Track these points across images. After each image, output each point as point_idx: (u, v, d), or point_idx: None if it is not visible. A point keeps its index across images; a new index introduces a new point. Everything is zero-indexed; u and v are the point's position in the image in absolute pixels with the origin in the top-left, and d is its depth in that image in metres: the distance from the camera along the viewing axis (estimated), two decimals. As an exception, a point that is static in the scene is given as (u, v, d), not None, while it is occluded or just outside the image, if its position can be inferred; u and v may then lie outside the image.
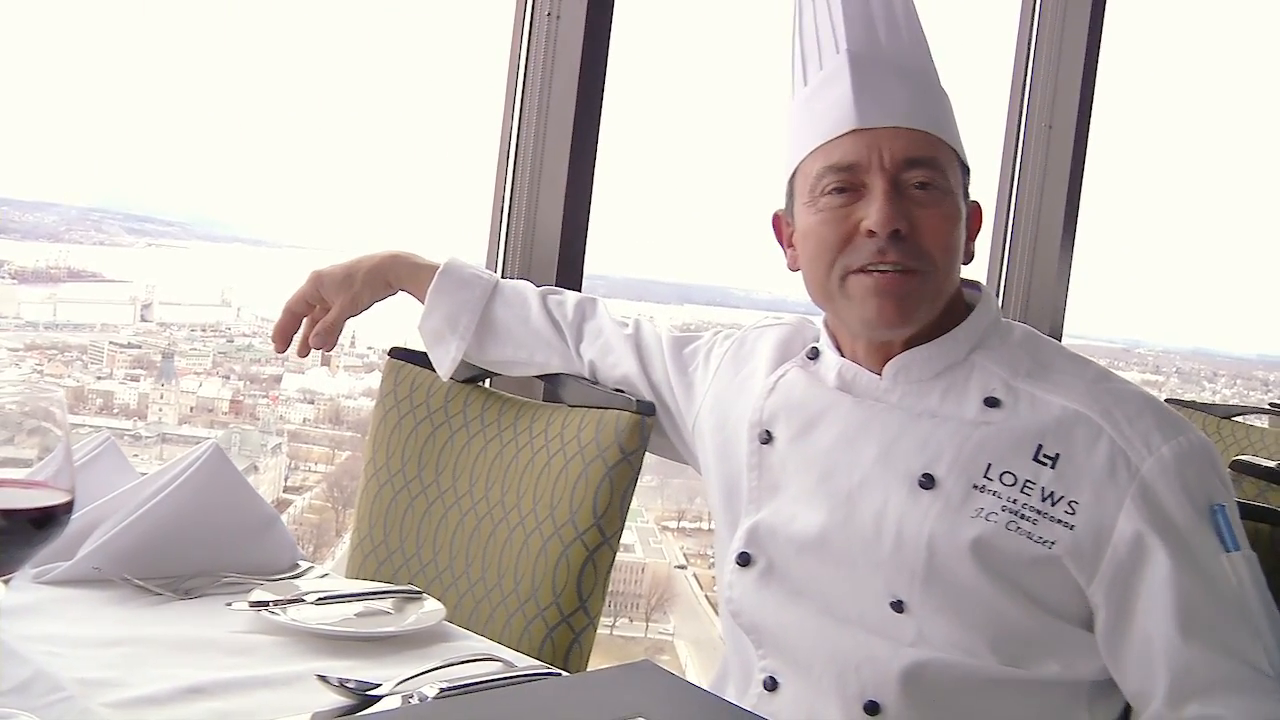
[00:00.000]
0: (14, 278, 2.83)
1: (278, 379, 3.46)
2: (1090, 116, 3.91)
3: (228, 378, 3.30)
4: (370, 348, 3.36)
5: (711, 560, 4.03)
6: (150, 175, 2.78)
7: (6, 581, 0.94)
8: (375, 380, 3.23)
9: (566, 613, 1.70)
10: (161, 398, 3.14)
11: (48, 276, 2.83)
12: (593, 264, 2.61)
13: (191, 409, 3.22)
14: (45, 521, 0.93)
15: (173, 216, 2.97)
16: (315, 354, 3.25)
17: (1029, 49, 3.84)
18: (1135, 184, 4.78)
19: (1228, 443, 3.12)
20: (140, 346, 3.15)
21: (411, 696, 1.10)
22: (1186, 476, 1.29)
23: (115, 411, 3.07)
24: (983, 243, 3.56)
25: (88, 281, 2.93)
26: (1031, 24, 3.84)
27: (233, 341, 3.35)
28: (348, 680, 1.12)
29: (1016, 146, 3.85)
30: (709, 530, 4.02)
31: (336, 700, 1.08)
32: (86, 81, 2.57)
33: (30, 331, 2.95)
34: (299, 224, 3.04)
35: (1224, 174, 5.19)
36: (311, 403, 3.49)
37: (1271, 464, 1.84)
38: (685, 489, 4.08)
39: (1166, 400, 2.94)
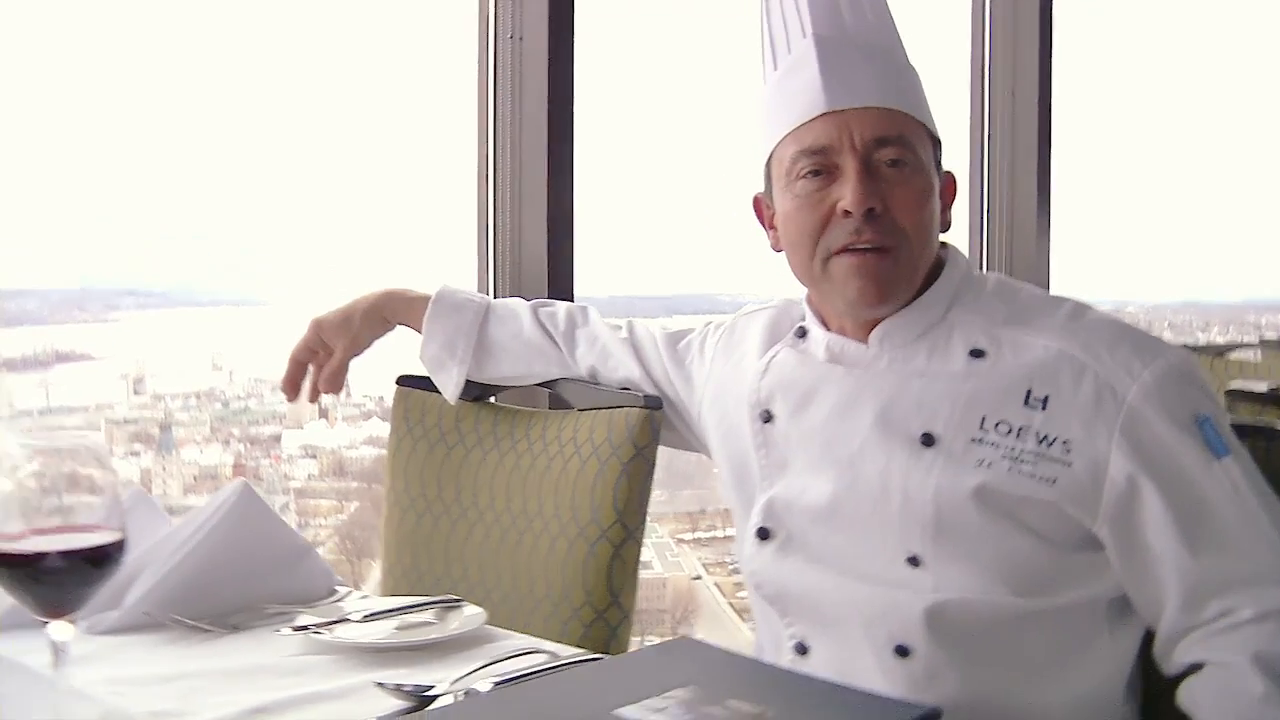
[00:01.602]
0: (3, 366, 2.84)
1: (277, 438, 3.45)
2: (1051, 79, 3.96)
3: (227, 442, 3.29)
4: (366, 396, 3.34)
5: (731, 567, 4.07)
6: (127, 250, 2.77)
7: (71, 621, 0.99)
8: (375, 428, 3.28)
9: (600, 609, 1.74)
10: (164, 469, 3.11)
11: (36, 362, 2.82)
12: (577, 287, 2.66)
13: (195, 478, 3.21)
14: (101, 560, 0.98)
15: (154, 288, 2.96)
16: (313, 407, 3.29)
17: (984, 18, 3.90)
18: (1107, 145, 4.83)
19: (1223, 379, 3.18)
20: (137, 421, 3.10)
21: (467, 693, 1.14)
22: (1168, 396, 1.34)
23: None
24: (961, 213, 3.62)
25: (77, 362, 2.92)
26: (983, -5, 3.90)
27: (228, 405, 3.33)
28: (404, 685, 1.16)
29: (982, 115, 3.90)
30: (725, 538, 4.06)
31: (395, 704, 1.13)
32: (54, 167, 2.60)
33: (26, 419, 2.95)
34: (283, 279, 3.04)
35: (1191, 127, 5.24)
36: (314, 457, 3.48)
37: (1263, 388, 1.90)
38: (695, 499, 4.11)
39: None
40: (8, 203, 2.51)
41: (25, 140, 2.51)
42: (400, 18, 2.96)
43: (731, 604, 4.32)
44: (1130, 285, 5.21)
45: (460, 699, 1.13)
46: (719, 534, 4.13)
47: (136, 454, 3.04)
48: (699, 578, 4.41)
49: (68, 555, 0.96)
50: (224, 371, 3.34)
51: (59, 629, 0.99)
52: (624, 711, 1.07)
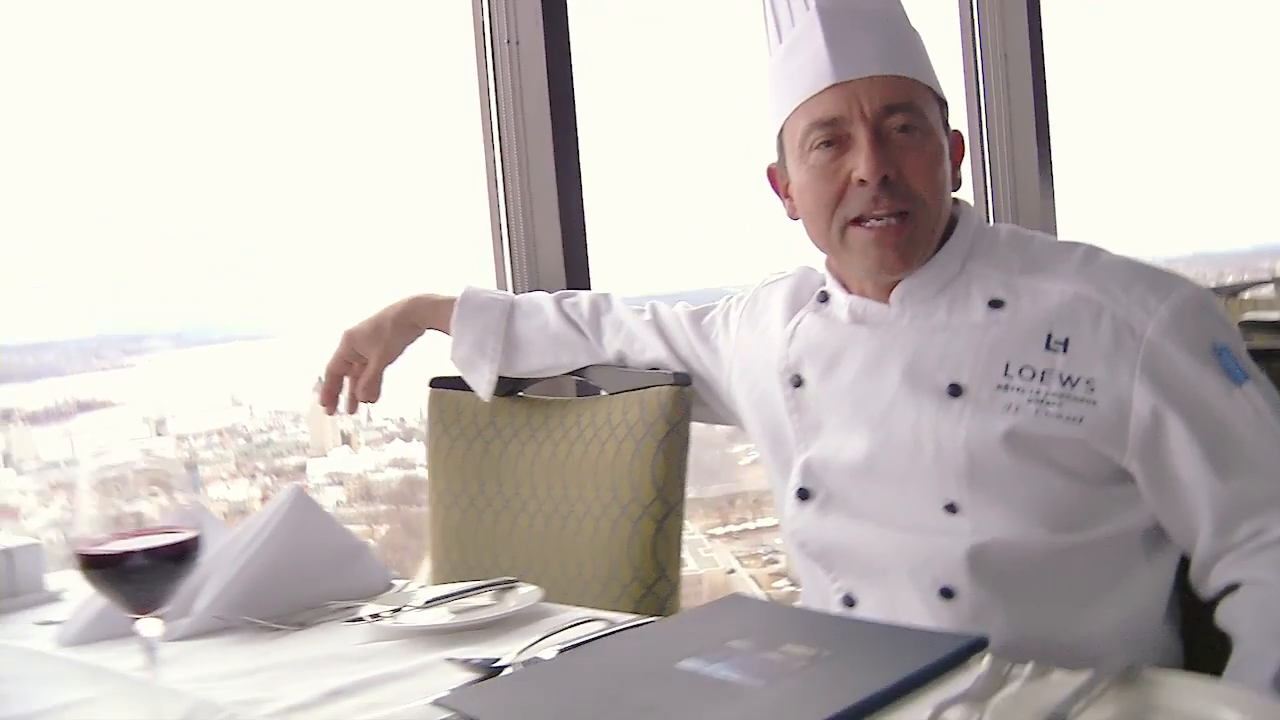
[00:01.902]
0: (26, 421, 2.86)
1: (302, 467, 3.45)
2: (1042, 39, 4.01)
3: (253, 476, 3.29)
4: (386, 419, 3.38)
5: (766, 558, 4.11)
6: (137, 294, 2.77)
7: (159, 617, 1.04)
8: (398, 450, 3.30)
9: (649, 583, 1.79)
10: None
11: (58, 413, 2.85)
12: (593, 284, 2.70)
13: (224, 514, 3.24)
14: (181, 556, 1.04)
15: (167, 329, 2.98)
16: (335, 435, 3.30)
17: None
18: (1106, 104, 4.86)
19: (1238, 316, 3.21)
20: (152, 467, 3.16)
21: (533, 661, 1.19)
22: (1186, 328, 1.38)
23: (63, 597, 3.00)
24: (964, 178, 3.66)
25: (97, 410, 2.94)
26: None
27: (251, 440, 3.33)
28: (472, 659, 1.21)
29: (977, 81, 3.95)
30: (757, 530, 4.10)
31: (466, 677, 1.18)
32: (58, 220, 2.63)
33: (52, 470, 2.95)
34: (294, 308, 3.05)
35: (1186, 79, 5.26)
36: (340, 484, 3.49)
37: (1276, 316, 1.94)
38: (724, 495, 4.14)
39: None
40: (18, 258, 2.55)
41: (28, 196, 2.55)
42: (397, 33, 2.99)
43: (769, 594, 4.36)
44: (1141, 240, 5.24)
45: (527, 667, 1.18)
46: (750, 526, 4.16)
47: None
48: (733, 571, 4.45)
49: (150, 553, 1.02)
50: (244, 407, 3.37)
51: (148, 625, 1.04)
52: (685, 664, 1.12)
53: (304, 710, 1.13)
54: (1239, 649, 1.33)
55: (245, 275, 2.88)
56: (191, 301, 2.83)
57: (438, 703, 1.08)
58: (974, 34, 3.98)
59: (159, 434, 3.10)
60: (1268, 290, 3.73)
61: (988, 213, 3.95)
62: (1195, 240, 5.49)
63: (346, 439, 3.43)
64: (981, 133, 3.98)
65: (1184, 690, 0.96)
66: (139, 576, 1.02)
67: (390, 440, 3.36)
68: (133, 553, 1.02)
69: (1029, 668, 1.05)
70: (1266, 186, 5.56)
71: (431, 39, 2.98)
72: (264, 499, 3.36)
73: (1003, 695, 0.97)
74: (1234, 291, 3.49)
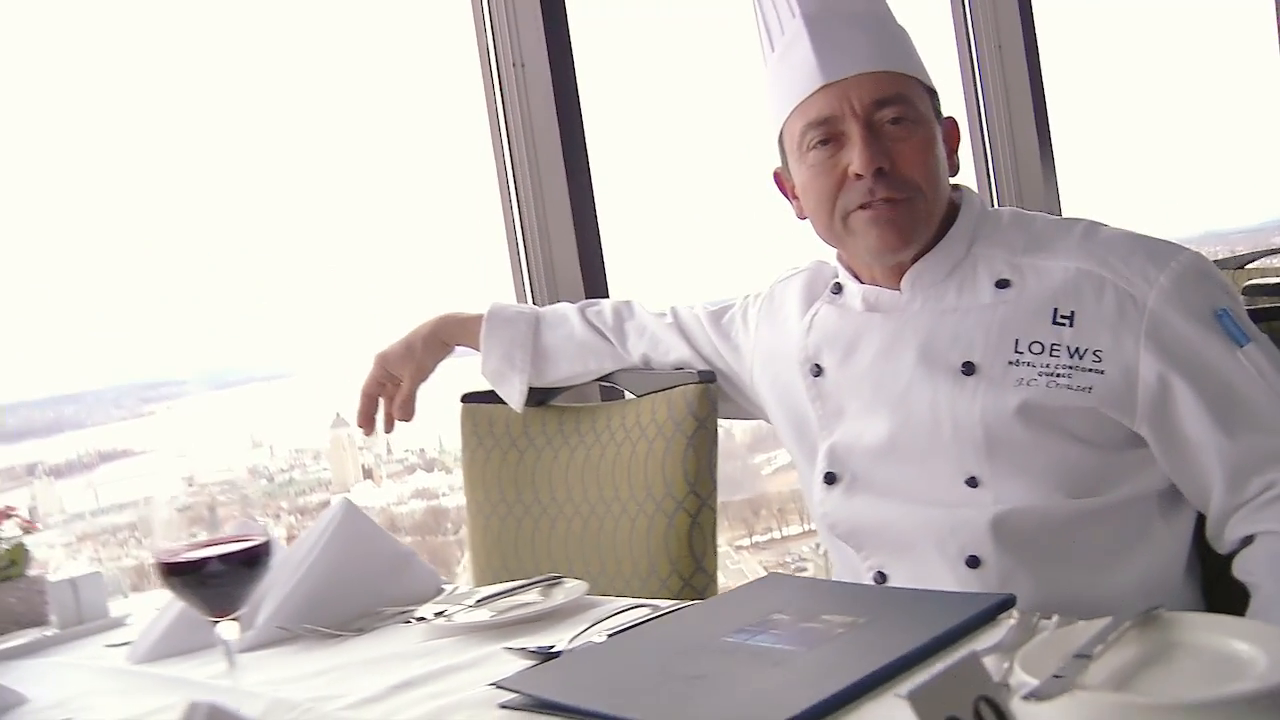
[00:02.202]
0: (50, 474, 2.85)
1: (325, 504, 3.51)
2: (1034, 30, 4.08)
3: (278, 516, 3.28)
4: (407, 451, 3.41)
5: (794, 566, 4.14)
6: (151, 341, 2.76)
7: (235, 620, 1.12)
8: (420, 481, 3.32)
9: (686, 576, 1.85)
10: None
11: (81, 465, 2.89)
12: (611, 294, 2.77)
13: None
14: (253, 561, 1.12)
15: (183, 375, 2.98)
16: (358, 469, 3.31)
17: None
18: (1104, 88, 4.91)
19: (1243, 284, 3.26)
20: (189, 508, 3.18)
21: (586, 645, 1.26)
22: (1186, 295, 1.44)
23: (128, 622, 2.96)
24: (967, 168, 3.70)
25: (119, 460, 2.97)
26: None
27: (273, 480, 3.36)
28: (527, 647, 1.28)
29: (974, 71, 4.02)
30: (782, 539, 4.13)
31: (524, 664, 1.25)
32: (71, 271, 2.64)
33: (79, 522, 2.92)
34: (310, 347, 3.02)
35: (1183, 60, 5.31)
36: None
37: (1277, 279, 2.00)
38: (748, 505, 4.17)
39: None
40: (32, 313, 2.56)
41: (38, 252, 2.57)
42: (405, 62, 3.05)
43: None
44: (1149, 220, 5.28)
45: (580, 650, 1.25)
46: (776, 535, 4.19)
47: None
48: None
49: (226, 559, 1.10)
50: (264, 447, 3.40)
51: (226, 628, 1.12)
52: (730, 638, 1.19)
53: (374, 702, 1.20)
54: (1256, 597, 1.39)
55: (259, 316, 2.90)
56: (207, 346, 2.85)
57: (499, 685, 1.15)
58: (968, 26, 4.05)
59: (190, 483, 3.15)
60: (1277, 260, 3.78)
61: (993, 199, 4.01)
62: (1203, 220, 5.52)
63: (368, 473, 3.44)
64: (981, 122, 4.05)
65: (1200, 627, 1.02)
66: (215, 581, 1.10)
67: (412, 472, 3.38)
68: (209, 559, 1.09)
69: (1055, 619, 1.11)
70: (1268, 163, 5.60)
71: (438, 66, 3.05)
72: (289, 538, 3.40)
73: (1031, 644, 1.03)
74: (1243, 263, 3.53)
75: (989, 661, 1.02)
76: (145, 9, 2.70)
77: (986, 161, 4.06)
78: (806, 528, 3.90)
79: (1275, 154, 5.47)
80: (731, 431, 3.90)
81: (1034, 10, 4.09)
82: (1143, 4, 5.12)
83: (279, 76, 2.89)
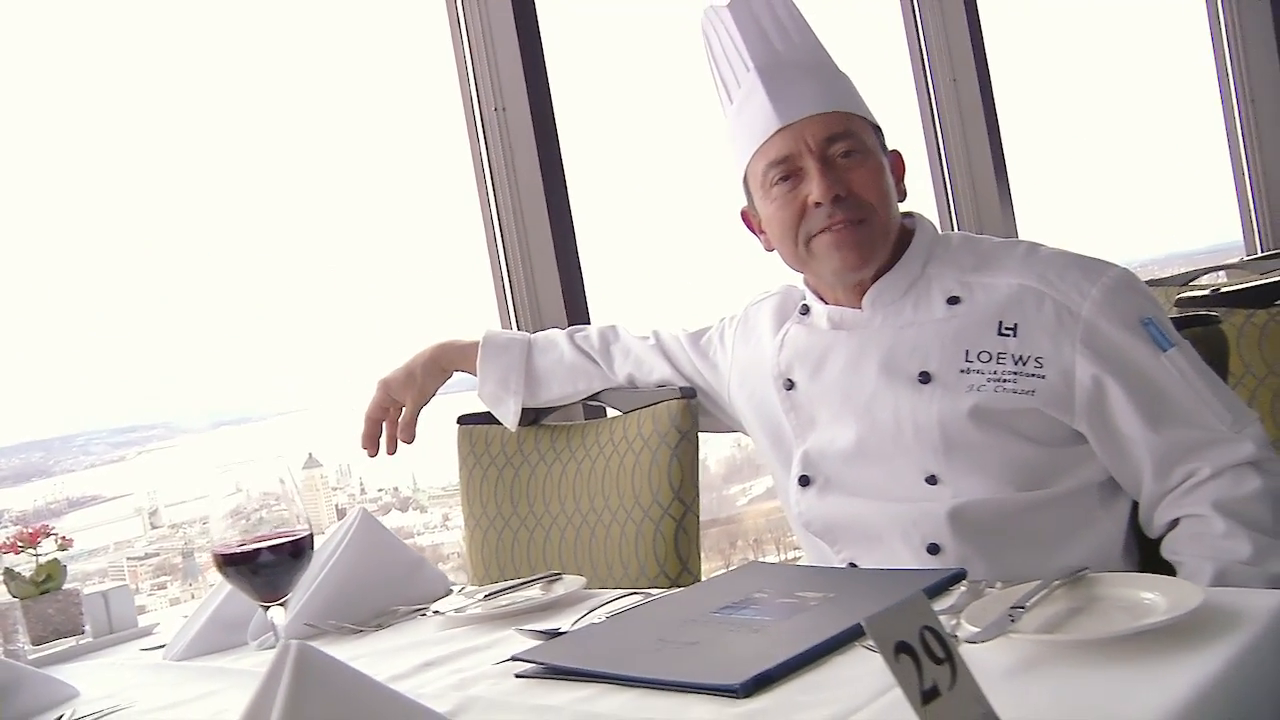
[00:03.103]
0: (15, 522, 2.74)
1: None
2: (987, 63, 4.29)
3: None
4: (380, 489, 3.47)
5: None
6: (121, 386, 2.81)
7: (283, 604, 1.27)
8: (396, 519, 3.38)
9: (674, 576, 2.01)
10: (193, 597, 3.00)
11: (50, 512, 2.87)
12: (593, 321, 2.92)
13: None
14: (298, 551, 1.27)
15: (154, 419, 3.03)
16: (331, 510, 3.33)
17: (915, 16, 4.22)
18: (1062, 118, 5.11)
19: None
20: (158, 554, 3.12)
21: (588, 625, 1.42)
22: (1116, 305, 1.63)
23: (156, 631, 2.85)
24: (928, 196, 3.89)
25: (89, 506, 2.97)
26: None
27: (248, 519, 3.44)
28: (536, 629, 1.44)
29: (931, 104, 4.23)
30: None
31: (535, 643, 1.40)
32: (37, 317, 2.64)
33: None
34: (281, 387, 3.06)
35: (1133, 91, 5.53)
36: None
37: (1206, 292, 2.18)
38: (724, 535, 4.28)
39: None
40: None
41: (5, 296, 2.59)
42: (389, 106, 3.17)
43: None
44: (1113, 249, 5.49)
45: (584, 628, 1.41)
46: (754, 559, 4.30)
47: (163, 587, 3.07)
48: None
49: (275, 550, 1.25)
50: (241, 492, 3.44)
51: (276, 612, 1.27)
52: (717, 613, 1.35)
53: (402, 679, 1.35)
54: (1180, 572, 1.56)
55: (230, 357, 2.93)
56: (176, 389, 2.88)
57: (516, 657, 1.30)
58: (924, 60, 4.26)
59: (153, 525, 3.07)
60: (1222, 276, 3.99)
61: (953, 224, 4.21)
62: (1166, 242, 5.74)
63: (341, 513, 3.47)
64: (940, 151, 4.25)
65: (1118, 583, 1.20)
66: (265, 570, 1.25)
67: (387, 511, 3.44)
68: (260, 550, 1.25)
69: (999, 584, 1.28)
70: (1220, 187, 5.81)
71: (423, 110, 3.18)
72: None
73: (976, 603, 1.20)
74: (1189, 279, 3.73)
75: (943, 620, 1.18)
76: (107, 56, 2.74)
77: (946, 188, 4.26)
78: (783, 556, 4.00)
79: (1220, 180, 5.68)
80: (707, 463, 4.03)
81: (985, 44, 4.30)
82: (1090, 36, 5.35)
83: (262, 120, 2.97)
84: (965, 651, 1.06)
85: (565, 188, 2.96)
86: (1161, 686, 0.94)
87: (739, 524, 4.27)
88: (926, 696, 0.84)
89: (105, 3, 2.77)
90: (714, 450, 3.89)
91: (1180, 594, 1.10)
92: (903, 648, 0.85)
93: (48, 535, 1.93)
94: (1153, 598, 1.12)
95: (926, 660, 0.86)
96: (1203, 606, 1.06)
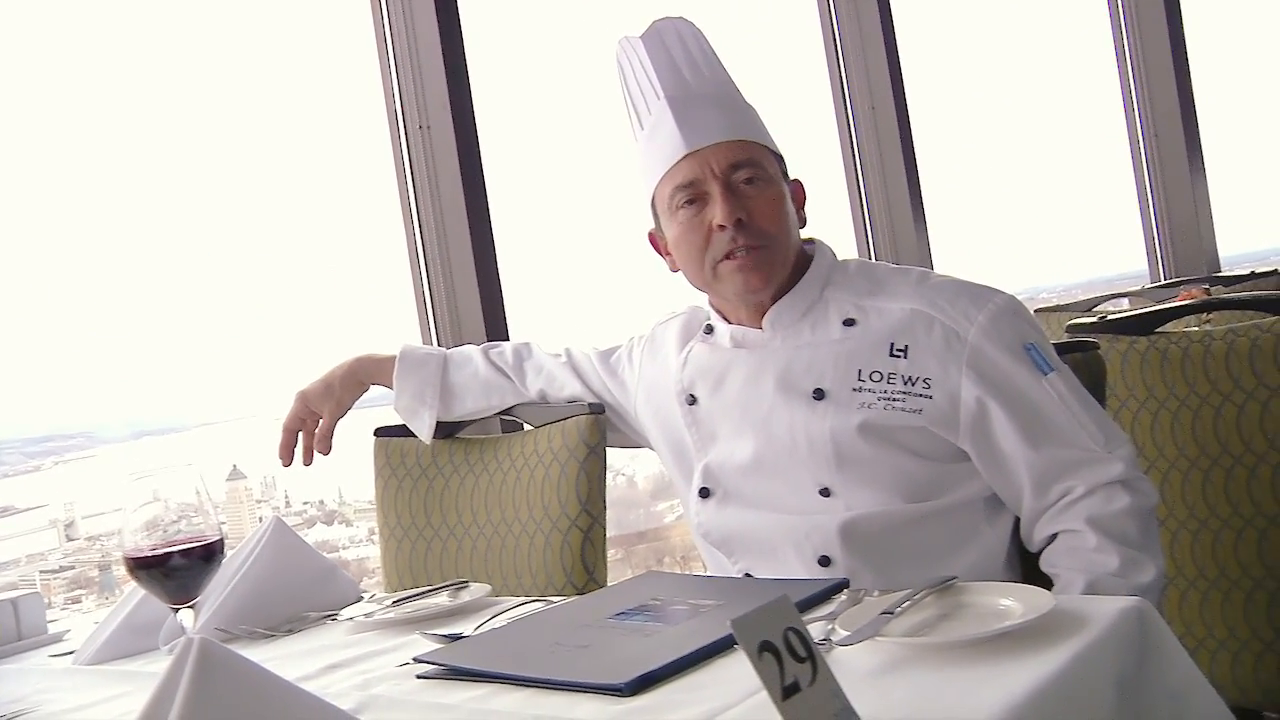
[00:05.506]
0: None
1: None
2: (904, 91, 4.42)
3: None
4: (306, 503, 3.46)
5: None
6: (38, 394, 2.77)
7: (193, 608, 1.32)
8: (320, 532, 3.38)
9: (580, 586, 2.08)
10: None
11: None
12: (511, 336, 2.97)
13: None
14: (209, 555, 1.32)
15: (73, 429, 3.00)
16: (254, 521, 3.31)
17: (835, 46, 4.34)
18: (979, 151, 5.25)
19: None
20: (73, 566, 3.08)
21: (489, 630, 1.48)
22: (1001, 330, 1.72)
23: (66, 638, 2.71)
24: (845, 219, 3.97)
25: (6, 515, 2.95)
26: (831, 24, 4.34)
27: (165, 532, 3.39)
28: (440, 633, 1.50)
29: (849, 131, 4.34)
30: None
31: (438, 645, 1.46)
32: None
33: None
34: (205, 398, 3.02)
35: (1052, 120, 5.70)
36: None
37: (1094, 319, 2.29)
38: (651, 552, 4.36)
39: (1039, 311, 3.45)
40: None
41: None
42: (314, 121, 3.21)
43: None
44: (1038, 275, 5.65)
45: (485, 632, 1.46)
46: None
47: (78, 600, 2.99)
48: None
49: (186, 554, 1.30)
50: (160, 501, 3.41)
51: (186, 615, 1.32)
52: (612, 619, 1.42)
53: (309, 680, 1.40)
54: (1056, 584, 1.66)
55: (153, 368, 2.91)
56: (97, 400, 2.85)
57: (418, 659, 1.36)
58: (844, 88, 4.37)
59: (69, 537, 3.02)
60: (1125, 302, 4.13)
61: (869, 247, 4.32)
62: (1088, 268, 5.90)
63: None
64: (857, 176, 4.37)
65: (982, 591, 1.29)
66: (176, 573, 1.30)
67: (312, 525, 3.44)
68: (172, 553, 1.29)
69: (876, 593, 1.36)
70: (1128, 218, 5.98)
71: (349, 127, 3.22)
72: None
73: (851, 609, 1.28)
74: (1091, 305, 3.86)
75: (821, 625, 1.26)
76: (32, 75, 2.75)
77: (863, 213, 4.38)
78: (711, 573, 4.01)
79: (1134, 211, 5.85)
80: (635, 480, 4.11)
81: (903, 73, 4.43)
82: (1003, 70, 5.52)
83: (186, 132, 2.97)
84: (837, 654, 1.15)
85: (487, 205, 3.02)
86: (1006, 684, 1.02)
87: (666, 540, 4.35)
88: (787, 692, 0.91)
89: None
90: (642, 468, 3.95)
91: (1034, 600, 1.19)
92: (766, 646, 0.92)
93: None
94: (1009, 603, 1.21)
95: (789, 659, 0.93)
96: (1052, 612, 1.15)
